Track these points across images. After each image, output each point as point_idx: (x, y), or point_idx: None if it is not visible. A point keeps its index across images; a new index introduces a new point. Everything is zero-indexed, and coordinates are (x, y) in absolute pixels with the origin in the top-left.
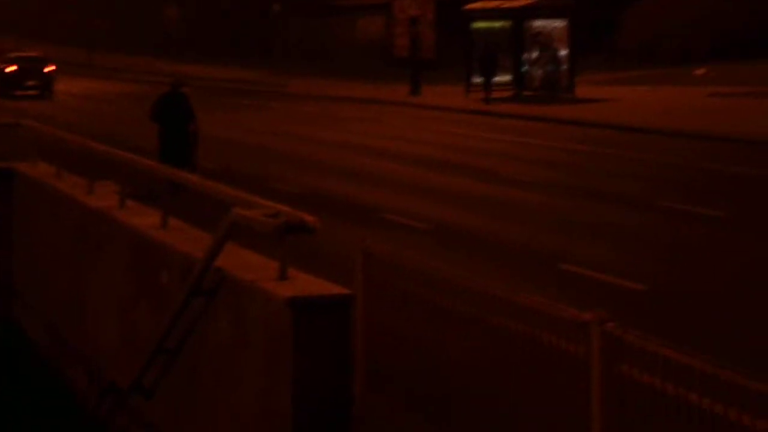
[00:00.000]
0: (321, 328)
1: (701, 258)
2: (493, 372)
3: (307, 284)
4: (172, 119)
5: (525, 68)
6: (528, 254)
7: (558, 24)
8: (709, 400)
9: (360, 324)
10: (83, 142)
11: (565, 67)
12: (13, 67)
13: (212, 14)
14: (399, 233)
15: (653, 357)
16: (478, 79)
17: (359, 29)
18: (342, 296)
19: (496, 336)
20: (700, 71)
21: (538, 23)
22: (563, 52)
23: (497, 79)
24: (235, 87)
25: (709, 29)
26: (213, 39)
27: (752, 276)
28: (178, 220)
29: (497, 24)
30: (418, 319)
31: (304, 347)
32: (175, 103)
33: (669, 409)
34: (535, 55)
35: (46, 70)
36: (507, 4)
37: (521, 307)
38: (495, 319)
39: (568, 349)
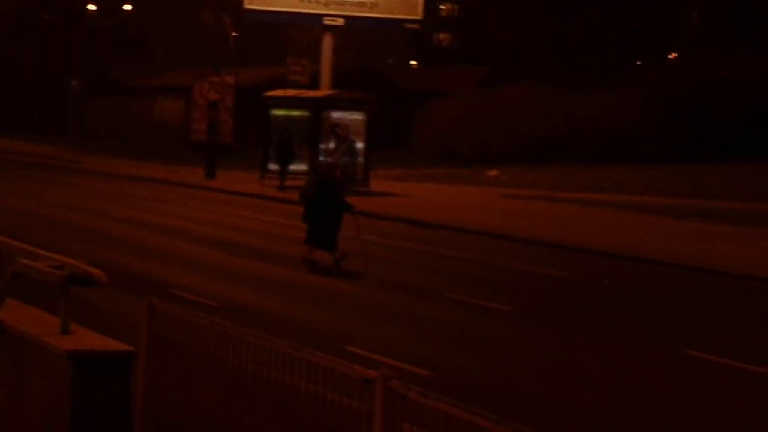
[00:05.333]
0: (101, 383)
1: (487, 349)
2: (276, 430)
3: (89, 339)
4: (324, 201)
5: (321, 158)
6: (315, 335)
7: (356, 117)
8: None
9: (142, 381)
10: None
11: (361, 159)
12: None
13: (7, 87)
14: (186, 308)
15: (436, 414)
16: (274, 166)
17: (158, 111)
18: (124, 352)
19: (282, 393)
20: (492, 173)
21: (336, 115)
22: (360, 145)
23: (293, 167)
24: (30, 161)
25: (503, 132)
26: (7, 112)
27: (536, 367)
28: None
29: (296, 113)
30: (203, 376)
31: (83, 402)
32: (326, 186)
33: None
34: (331, 145)
35: None
36: (306, 94)
37: (307, 364)
38: (281, 376)
39: (352, 406)
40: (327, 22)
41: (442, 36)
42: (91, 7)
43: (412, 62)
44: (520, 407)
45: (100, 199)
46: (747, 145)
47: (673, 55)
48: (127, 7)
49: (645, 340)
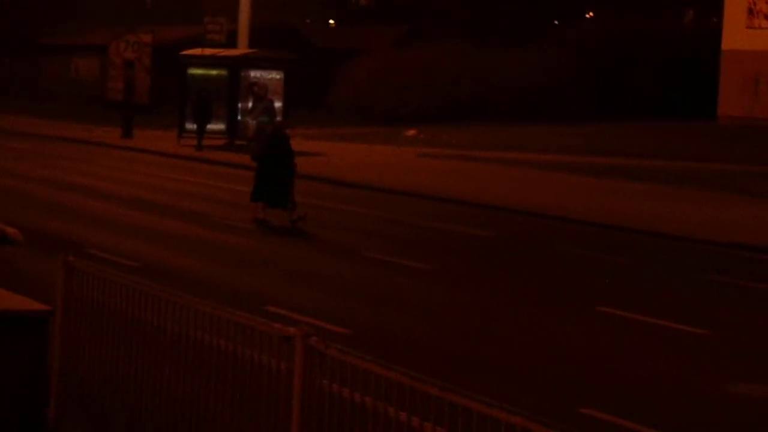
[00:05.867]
0: (18, 342)
1: (406, 307)
2: (195, 389)
3: (6, 298)
4: (276, 159)
5: (240, 117)
6: (235, 295)
7: (274, 76)
8: (406, 414)
9: (58, 340)
10: None
11: (279, 119)
12: None
13: None
14: (103, 267)
15: (355, 370)
16: (191, 126)
17: (74, 70)
18: (40, 311)
19: (201, 352)
20: (410, 132)
21: (255, 74)
22: (278, 104)
23: (211, 126)
24: None
25: (421, 92)
26: None
27: (454, 324)
28: None
29: (213, 72)
30: (121, 336)
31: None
32: (278, 143)
33: (367, 421)
34: (249, 105)
35: None
36: (224, 53)
37: (226, 323)
38: (200, 335)
39: (272, 364)
40: None
41: None
42: None
43: (330, 21)
44: (437, 363)
45: (16, 159)
46: (666, 104)
47: (591, 14)
48: None
49: (561, 297)
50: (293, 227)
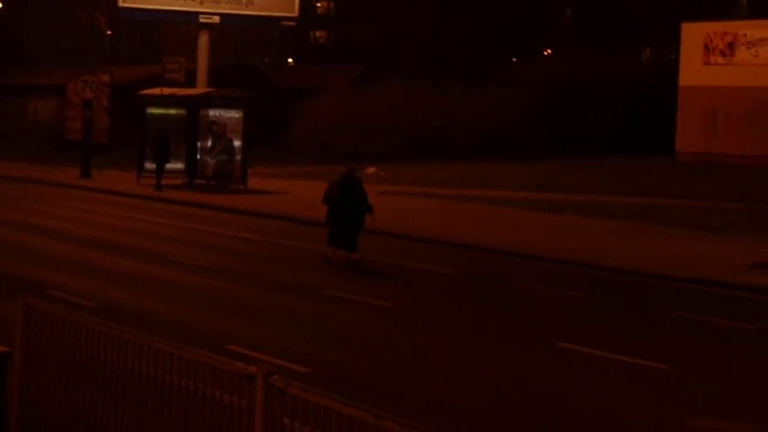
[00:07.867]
0: None
1: (366, 345)
2: (157, 428)
3: None
4: (347, 203)
5: (199, 157)
6: (195, 334)
7: (233, 115)
8: None
9: (17, 382)
10: None
11: (238, 157)
12: None
13: None
14: (63, 308)
15: (316, 408)
16: (150, 165)
17: (31, 110)
18: None
19: (162, 391)
20: (370, 170)
21: (214, 113)
22: (237, 143)
23: (171, 166)
24: None
25: (381, 129)
26: None
27: (414, 362)
28: None
29: (172, 111)
30: (82, 376)
31: None
32: (350, 187)
33: None
34: (209, 144)
35: None
36: (182, 92)
37: (188, 362)
38: (161, 374)
39: (233, 402)
40: (203, 20)
41: (318, 34)
42: None
43: (289, 60)
44: (397, 402)
45: None
46: (625, 141)
47: (548, 51)
48: None
49: (521, 333)
50: (351, 266)
